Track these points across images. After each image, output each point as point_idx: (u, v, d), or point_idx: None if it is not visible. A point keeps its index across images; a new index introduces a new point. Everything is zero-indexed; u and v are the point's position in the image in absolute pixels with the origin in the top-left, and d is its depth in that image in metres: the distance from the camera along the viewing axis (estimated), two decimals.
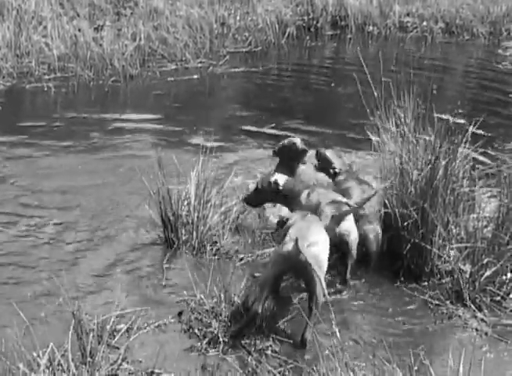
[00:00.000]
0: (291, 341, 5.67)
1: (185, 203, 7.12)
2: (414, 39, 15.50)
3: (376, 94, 6.89)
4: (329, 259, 5.84)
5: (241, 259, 6.78)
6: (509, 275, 6.33)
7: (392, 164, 6.77)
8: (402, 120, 6.84)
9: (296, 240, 5.55)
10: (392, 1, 15.87)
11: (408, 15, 15.97)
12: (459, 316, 6.10)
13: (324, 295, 5.62)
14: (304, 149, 7.53)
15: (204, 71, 12.78)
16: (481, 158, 8.46)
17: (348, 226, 6.32)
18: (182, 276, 6.50)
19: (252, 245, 7.05)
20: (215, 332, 5.66)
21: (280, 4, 15.19)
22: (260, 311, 5.60)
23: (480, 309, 6.13)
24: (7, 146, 9.37)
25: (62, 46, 12.39)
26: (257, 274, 6.45)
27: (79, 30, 12.76)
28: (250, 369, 5.32)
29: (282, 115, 10.74)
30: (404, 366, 5.04)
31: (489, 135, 9.31)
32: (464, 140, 6.67)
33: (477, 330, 5.93)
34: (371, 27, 15.77)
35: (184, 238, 6.99)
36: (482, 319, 6.03)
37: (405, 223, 6.52)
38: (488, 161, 8.50)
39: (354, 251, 6.36)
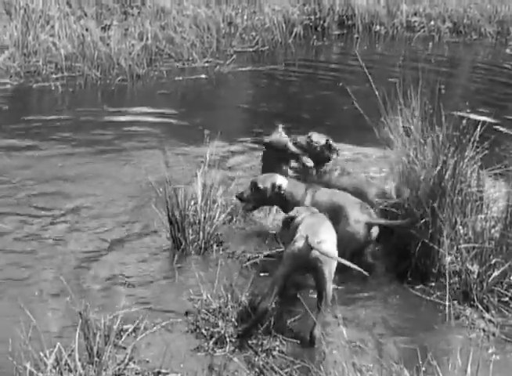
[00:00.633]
0: (298, 341, 5.66)
1: (192, 203, 7.11)
2: (421, 39, 15.47)
3: (380, 93, 6.85)
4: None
5: (248, 259, 6.77)
6: None
7: (400, 164, 6.75)
8: (410, 119, 6.80)
9: (307, 237, 5.55)
10: (399, 1, 15.83)
11: (415, 14, 15.93)
12: (467, 316, 6.08)
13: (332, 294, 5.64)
14: (294, 152, 7.49)
15: (211, 71, 12.77)
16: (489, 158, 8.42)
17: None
18: (188, 276, 6.50)
19: (258, 245, 7.04)
20: (222, 332, 5.66)
21: (287, 3, 15.18)
22: (269, 308, 5.60)
23: (487, 310, 6.11)
24: (14, 146, 9.37)
25: (69, 45, 12.40)
26: (262, 274, 6.44)
27: (86, 29, 12.77)
28: (257, 369, 5.31)
29: (289, 114, 10.71)
30: (411, 367, 5.04)
31: (497, 134, 9.27)
32: (472, 140, 6.64)
33: (484, 330, 5.91)
34: (378, 27, 15.74)
35: (191, 238, 6.98)
36: (490, 320, 6.01)
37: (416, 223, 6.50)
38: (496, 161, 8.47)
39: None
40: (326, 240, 5.71)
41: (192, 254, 6.88)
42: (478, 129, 6.72)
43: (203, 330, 5.74)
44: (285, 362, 5.41)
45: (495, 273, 6.20)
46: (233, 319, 5.75)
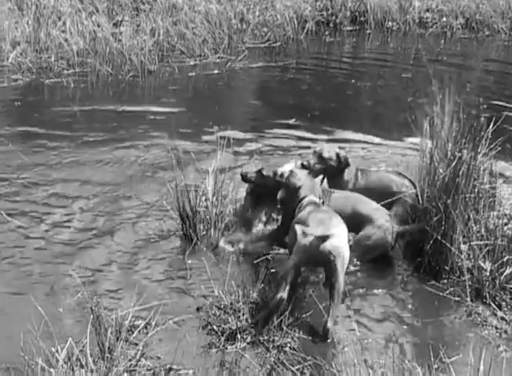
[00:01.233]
0: (310, 338, 5.65)
1: (203, 199, 7.11)
2: (434, 35, 15.40)
3: (393, 89, 6.82)
4: None
5: (259, 256, 6.75)
6: None
7: (420, 160, 6.73)
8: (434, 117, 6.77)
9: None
10: None
11: (427, 10, 15.84)
12: (479, 313, 6.05)
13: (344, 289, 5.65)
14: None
15: (223, 67, 12.75)
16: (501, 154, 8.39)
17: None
18: (200, 272, 6.50)
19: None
20: (233, 328, 5.64)
21: None
22: (284, 298, 5.58)
23: (500, 307, 6.07)
24: (26, 140, 9.39)
25: (81, 41, 12.40)
26: (274, 270, 6.42)
27: (98, 25, 12.77)
28: (268, 366, 5.30)
29: (300, 110, 10.69)
30: (423, 364, 5.02)
31: (510, 131, 9.22)
32: (486, 136, 6.61)
33: (496, 328, 5.88)
34: (390, 23, 15.67)
35: (202, 234, 6.97)
36: (502, 318, 5.98)
37: (431, 220, 6.48)
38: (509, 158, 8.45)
39: None
40: (337, 235, 5.70)
41: (204, 251, 6.86)
42: (491, 126, 6.69)
43: (215, 327, 5.73)
44: (296, 358, 5.40)
45: (508, 271, 6.17)
46: (245, 316, 5.73)
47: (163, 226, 7.30)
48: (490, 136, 6.69)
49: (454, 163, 6.37)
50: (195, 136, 9.58)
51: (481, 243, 6.36)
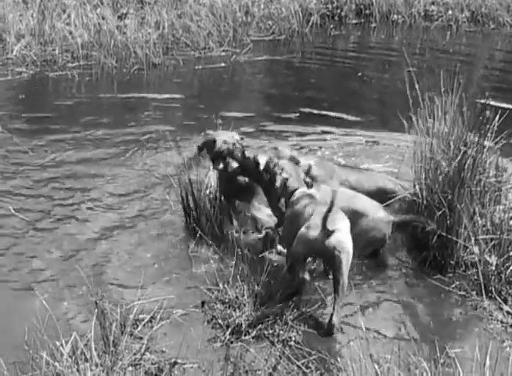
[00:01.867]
0: (315, 332, 5.64)
1: (207, 192, 7.10)
2: (439, 28, 15.35)
3: (400, 82, 6.79)
4: None
5: (263, 250, 6.73)
6: None
7: (423, 153, 6.70)
8: (435, 109, 6.74)
9: (323, 227, 5.55)
10: None
11: (433, 3, 15.79)
12: (485, 307, 6.03)
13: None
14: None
15: (228, 60, 12.72)
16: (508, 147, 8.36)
17: None
18: (204, 266, 6.48)
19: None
20: (238, 322, 5.63)
21: None
22: (308, 278, 5.61)
23: (505, 302, 6.05)
24: (30, 133, 9.38)
25: (85, 34, 12.39)
26: (278, 264, 6.39)
27: (103, 18, 12.75)
28: (273, 360, 5.29)
29: (305, 103, 10.67)
30: (429, 359, 5.00)
31: None
32: (491, 129, 6.58)
33: (502, 322, 5.86)
34: (396, 16, 15.61)
35: (207, 228, 6.96)
36: (508, 312, 5.96)
37: (434, 214, 6.46)
38: None
39: None
40: (341, 229, 5.68)
41: (208, 244, 6.84)
42: (497, 119, 6.66)
43: (220, 321, 5.72)
44: (302, 353, 5.39)
45: None
46: (249, 310, 5.72)
47: (167, 220, 7.28)
48: (496, 129, 6.66)
49: (459, 157, 6.34)
50: (198, 129, 9.55)
51: (487, 237, 6.33)
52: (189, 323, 5.75)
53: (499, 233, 6.31)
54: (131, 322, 5.47)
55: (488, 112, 6.43)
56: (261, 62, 12.81)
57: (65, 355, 5.01)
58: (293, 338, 5.54)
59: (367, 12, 15.65)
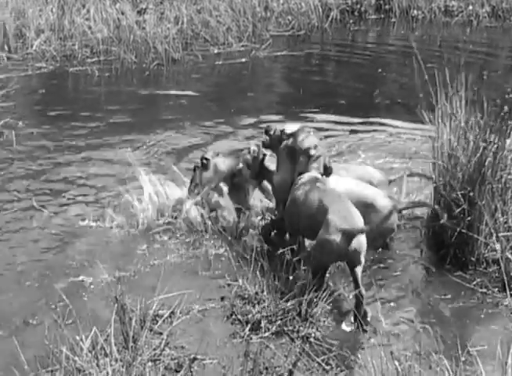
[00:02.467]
0: (336, 327, 5.63)
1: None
2: (459, 23, 15.27)
3: (420, 78, 6.73)
4: None
5: (284, 246, 6.69)
6: None
7: (442, 149, 6.65)
8: (454, 104, 6.70)
9: (343, 232, 5.59)
10: None
11: None
12: (506, 305, 5.98)
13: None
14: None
15: (247, 55, 12.71)
16: None
17: None
18: (224, 261, 6.47)
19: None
20: (258, 318, 5.61)
21: None
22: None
23: None
24: (50, 128, 9.41)
25: (105, 29, 12.41)
26: (297, 258, 6.34)
27: (122, 13, 12.76)
28: (293, 356, 5.26)
29: (325, 98, 10.66)
30: (450, 357, 4.97)
31: None
32: None
33: None
34: (416, 11, 15.56)
35: (225, 222, 6.96)
36: None
37: (453, 211, 6.42)
38: None
39: None
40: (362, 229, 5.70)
41: (228, 239, 6.83)
42: None
43: (239, 316, 5.70)
44: (321, 349, 5.36)
45: None
46: (269, 306, 5.71)
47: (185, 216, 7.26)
48: None
49: (479, 153, 6.30)
50: (215, 125, 9.56)
51: (509, 234, 6.29)
52: (209, 319, 5.74)
53: None
54: (150, 317, 5.45)
55: (506, 107, 6.38)
56: (281, 57, 12.80)
57: (85, 350, 5.00)
58: (313, 335, 5.51)
59: (387, 7, 15.61)
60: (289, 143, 6.55)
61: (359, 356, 5.24)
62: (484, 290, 6.15)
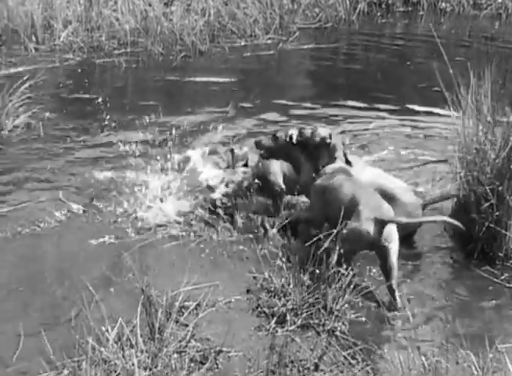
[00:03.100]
0: (363, 321, 5.61)
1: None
2: (488, 17, 15.14)
3: (451, 72, 6.67)
4: None
5: (310, 238, 6.67)
6: None
7: (469, 144, 6.60)
8: (480, 98, 6.65)
9: (377, 221, 5.64)
10: None
11: None
12: None
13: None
14: None
15: (274, 47, 12.67)
16: None
17: None
18: (250, 254, 6.46)
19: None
20: (284, 311, 5.60)
21: None
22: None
23: None
24: (78, 119, 9.45)
25: (132, 21, 12.41)
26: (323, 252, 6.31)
27: (149, 4, 12.74)
28: (319, 350, 5.24)
29: (352, 91, 10.63)
30: (478, 353, 4.93)
31: None
32: None
33: None
34: (444, 4, 15.44)
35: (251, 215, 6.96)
36: None
37: (481, 206, 6.37)
38: None
39: None
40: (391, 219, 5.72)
41: (255, 232, 6.81)
42: None
43: (265, 309, 5.69)
44: (348, 343, 5.34)
45: None
46: (295, 299, 5.69)
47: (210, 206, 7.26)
48: None
49: (508, 147, 6.24)
50: (242, 118, 9.55)
51: None
52: (235, 312, 5.73)
53: None
54: (176, 309, 5.45)
55: None
56: (308, 50, 12.74)
57: (111, 340, 5.02)
58: (339, 328, 5.48)
59: (415, 0, 15.48)
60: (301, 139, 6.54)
61: (386, 350, 5.23)
62: None
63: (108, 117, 9.08)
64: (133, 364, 4.84)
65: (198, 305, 5.67)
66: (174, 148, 8.04)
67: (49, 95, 10.35)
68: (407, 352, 4.82)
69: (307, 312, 5.61)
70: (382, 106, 10.01)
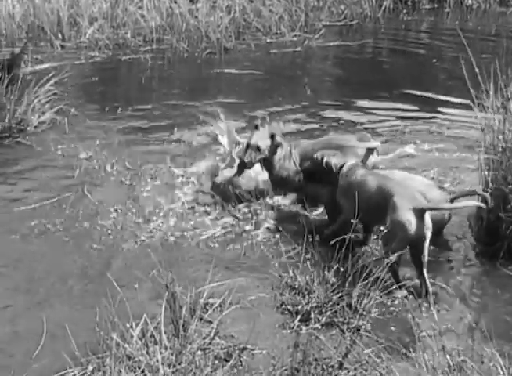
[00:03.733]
0: (387, 319, 5.62)
1: None
2: None
3: (477, 70, 6.63)
4: None
5: (335, 237, 6.64)
6: None
7: (496, 142, 6.56)
8: (507, 96, 6.60)
9: (416, 210, 5.73)
10: None
11: None
12: None
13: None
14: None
15: (299, 44, 12.62)
16: None
17: None
18: (275, 252, 6.45)
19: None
20: (308, 309, 5.59)
21: None
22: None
23: None
24: (104, 116, 9.49)
25: (157, 18, 12.42)
26: (346, 250, 6.26)
27: (175, 1, 12.75)
28: (343, 348, 5.22)
29: (378, 89, 10.58)
30: (503, 353, 4.89)
31: None
32: None
33: None
34: (470, 1, 15.30)
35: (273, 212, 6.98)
36: None
37: (507, 204, 6.33)
38: None
39: None
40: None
41: (278, 230, 6.81)
42: None
43: (289, 307, 5.69)
44: (372, 341, 5.32)
45: None
46: (319, 297, 5.67)
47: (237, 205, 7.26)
48: None
49: None
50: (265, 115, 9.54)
51: None
52: (259, 309, 5.73)
53: None
54: (200, 306, 5.47)
55: None
56: (334, 47, 12.68)
57: (135, 337, 5.05)
58: (364, 326, 5.48)
59: None
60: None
61: (410, 349, 5.19)
62: None
63: (133, 113, 9.11)
64: (157, 361, 4.86)
65: (222, 302, 5.67)
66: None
67: (75, 92, 10.39)
68: (432, 351, 4.78)
69: (331, 310, 5.60)
70: (408, 104, 9.96)
